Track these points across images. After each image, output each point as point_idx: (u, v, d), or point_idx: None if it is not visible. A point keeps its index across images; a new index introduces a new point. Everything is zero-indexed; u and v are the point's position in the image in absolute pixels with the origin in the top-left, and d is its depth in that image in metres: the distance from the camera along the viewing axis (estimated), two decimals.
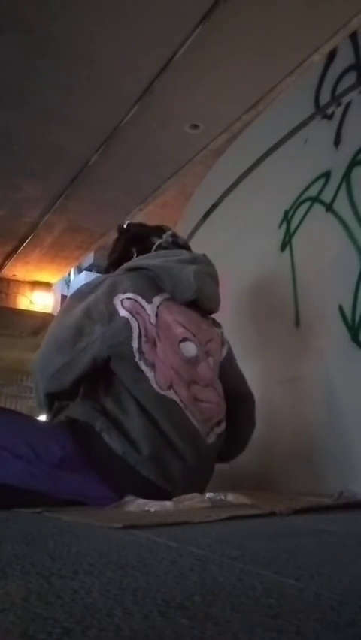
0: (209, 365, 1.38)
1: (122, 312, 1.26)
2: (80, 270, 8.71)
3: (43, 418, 1.57)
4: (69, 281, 8.63)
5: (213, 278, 1.47)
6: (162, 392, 1.22)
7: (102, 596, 0.43)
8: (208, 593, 0.44)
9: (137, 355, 1.23)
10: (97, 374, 1.25)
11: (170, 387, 1.24)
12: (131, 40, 2.05)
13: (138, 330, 1.25)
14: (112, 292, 1.29)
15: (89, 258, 7.65)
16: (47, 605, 0.40)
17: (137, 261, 1.44)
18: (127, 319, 1.25)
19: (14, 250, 4.43)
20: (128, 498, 1.07)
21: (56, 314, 5.97)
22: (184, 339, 1.33)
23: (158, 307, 1.31)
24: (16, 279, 5.28)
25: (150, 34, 2.01)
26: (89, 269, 8.47)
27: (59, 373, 1.23)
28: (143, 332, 1.25)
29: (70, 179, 3.19)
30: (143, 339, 1.25)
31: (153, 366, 1.23)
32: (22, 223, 3.88)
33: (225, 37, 2.01)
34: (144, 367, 1.22)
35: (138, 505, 1.04)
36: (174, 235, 1.56)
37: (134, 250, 1.52)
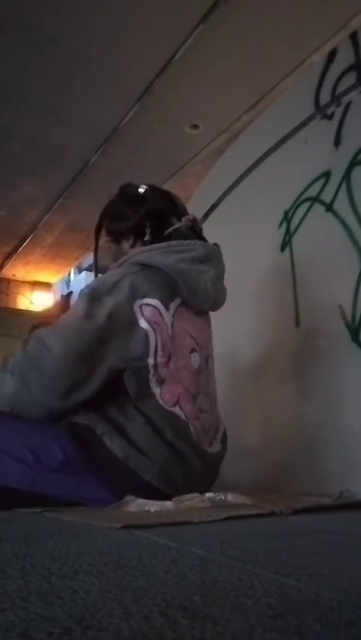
0: (206, 371, 1.34)
1: (142, 323, 1.17)
2: (80, 270, 8.70)
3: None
4: (69, 281, 8.62)
5: (222, 277, 1.38)
6: (167, 408, 1.19)
7: (102, 596, 0.43)
8: (208, 593, 0.44)
9: (151, 372, 1.18)
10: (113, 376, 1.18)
11: (176, 403, 1.20)
12: (131, 40, 2.05)
13: (155, 344, 1.18)
14: (132, 296, 1.18)
15: (89, 258, 7.64)
16: (47, 605, 0.40)
17: (146, 255, 1.28)
18: (146, 332, 1.17)
19: (14, 250, 4.44)
20: (129, 498, 1.07)
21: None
22: (192, 350, 1.29)
23: (173, 315, 1.24)
24: (16, 279, 5.28)
25: (150, 34, 2.01)
26: (89, 269, 8.45)
27: (83, 388, 1.13)
28: (160, 345, 1.19)
29: (70, 179, 3.19)
30: (159, 353, 1.18)
31: (162, 382, 1.19)
32: (22, 223, 3.89)
33: (225, 37, 2.01)
34: (152, 384, 1.18)
35: (138, 506, 1.04)
36: (193, 220, 1.39)
37: (148, 225, 1.34)
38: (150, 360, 1.17)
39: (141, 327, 1.17)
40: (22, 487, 1.10)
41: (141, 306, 1.19)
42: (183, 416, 1.20)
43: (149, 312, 1.19)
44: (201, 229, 1.43)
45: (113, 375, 1.16)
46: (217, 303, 1.37)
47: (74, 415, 1.21)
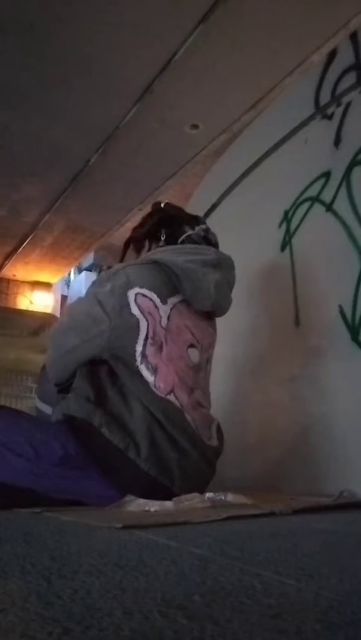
0: (206, 372, 1.39)
1: (134, 309, 1.23)
2: (80, 270, 8.70)
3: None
4: (69, 281, 8.63)
5: (230, 284, 1.44)
6: (161, 396, 1.21)
7: (102, 596, 0.43)
8: (208, 593, 0.44)
9: (138, 359, 1.22)
10: (101, 362, 1.25)
11: (170, 392, 1.23)
12: (131, 40, 2.04)
13: (145, 332, 1.23)
14: (128, 284, 1.26)
15: (89, 258, 7.64)
16: (47, 605, 0.40)
17: (160, 254, 1.37)
18: (137, 319, 1.23)
19: (14, 250, 4.43)
20: (129, 498, 1.07)
21: (56, 314, 5.97)
22: (191, 346, 1.32)
23: (171, 309, 1.29)
24: (16, 279, 5.28)
25: (150, 34, 2.01)
26: (89, 269, 8.46)
27: (68, 355, 1.26)
28: (150, 334, 1.23)
29: (70, 179, 3.19)
30: (149, 341, 1.23)
31: (155, 370, 1.22)
32: (22, 223, 3.88)
33: (225, 37, 2.01)
34: (144, 372, 1.21)
35: (138, 505, 1.04)
36: (206, 230, 1.48)
37: (163, 231, 1.45)
38: (138, 347, 1.22)
39: (132, 314, 1.23)
40: (23, 483, 1.10)
41: (135, 294, 1.25)
42: (177, 404, 1.23)
43: (142, 302, 1.25)
44: (216, 241, 1.51)
45: (99, 359, 1.25)
46: (219, 306, 1.40)
47: (66, 402, 1.24)
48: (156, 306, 1.26)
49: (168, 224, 1.46)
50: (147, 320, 1.24)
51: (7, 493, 1.08)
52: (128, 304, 1.23)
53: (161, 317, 1.26)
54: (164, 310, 1.27)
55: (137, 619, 0.37)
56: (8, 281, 5.28)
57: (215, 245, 1.49)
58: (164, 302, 1.28)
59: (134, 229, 1.55)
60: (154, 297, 1.27)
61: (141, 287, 1.26)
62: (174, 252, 1.36)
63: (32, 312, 5.54)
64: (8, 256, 4.57)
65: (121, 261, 1.56)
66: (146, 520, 0.87)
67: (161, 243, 1.43)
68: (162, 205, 1.53)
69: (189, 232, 1.43)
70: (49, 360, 1.33)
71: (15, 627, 0.35)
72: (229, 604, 0.41)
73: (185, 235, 1.43)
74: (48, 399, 1.42)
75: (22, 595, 0.43)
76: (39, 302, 5.47)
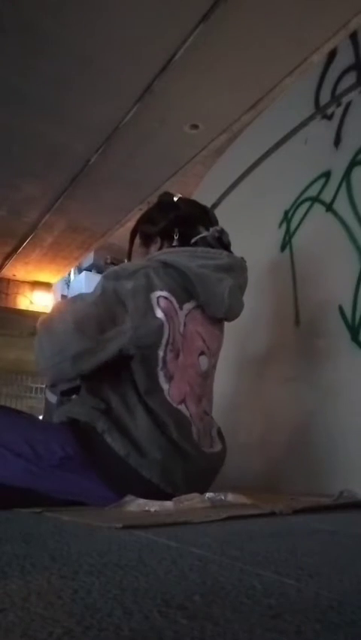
0: (212, 378, 1.38)
1: (159, 313, 1.19)
2: (80, 270, 8.71)
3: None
4: (69, 281, 8.63)
5: (242, 289, 1.40)
6: (174, 405, 1.20)
7: (102, 596, 0.43)
8: (208, 593, 0.44)
9: (160, 364, 1.19)
10: (105, 368, 1.17)
11: (182, 401, 1.21)
12: (131, 40, 2.05)
13: (167, 336, 1.19)
14: (151, 286, 1.21)
15: (89, 258, 7.65)
16: (47, 605, 0.40)
17: (173, 255, 1.31)
18: (162, 322, 1.19)
19: (14, 250, 4.43)
20: (129, 498, 1.07)
21: None
22: (202, 353, 1.30)
23: (186, 315, 1.27)
24: (16, 279, 5.27)
25: (150, 34, 2.01)
26: (89, 269, 8.47)
27: (79, 358, 1.12)
28: (171, 340, 1.20)
29: (70, 179, 3.19)
30: (169, 347, 1.20)
31: (171, 378, 1.20)
32: (22, 223, 3.88)
33: (225, 37, 2.01)
34: (161, 378, 1.19)
35: (138, 505, 1.04)
36: (221, 231, 1.42)
37: (176, 231, 1.38)
38: (161, 352, 1.19)
39: (157, 317, 1.19)
40: (22, 484, 1.10)
41: (158, 298, 1.21)
42: (188, 415, 1.22)
43: (165, 304, 1.21)
44: (229, 242, 1.45)
45: (122, 359, 1.16)
46: (232, 312, 1.36)
47: (73, 404, 1.23)
48: (175, 310, 1.24)
49: (181, 223, 1.39)
50: (169, 324, 1.20)
51: (7, 494, 1.08)
52: (152, 307, 1.19)
53: (180, 322, 1.24)
54: (181, 316, 1.25)
55: (137, 619, 0.37)
56: (8, 281, 5.28)
57: (228, 246, 1.44)
58: (181, 307, 1.26)
59: (144, 222, 1.46)
60: (174, 301, 1.24)
61: (162, 289, 1.22)
62: (186, 255, 1.31)
63: (32, 312, 5.54)
64: (8, 256, 4.57)
65: (129, 252, 1.50)
66: (146, 520, 0.87)
67: (174, 243, 1.37)
68: (175, 200, 1.45)
69: (204, 234, 1.38)
70: (45, 354, 1.17)
71: (15, 627, 0.35)
72: (229, 604, 0.41)
73: (199, 237, 1.37)
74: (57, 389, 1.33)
75: (22, 595, 0.43)
76: (39, 302, 5.47)
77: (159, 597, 0.43)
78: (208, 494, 1.13)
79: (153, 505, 1.01)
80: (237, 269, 1.37)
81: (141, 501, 1.05)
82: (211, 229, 1.40)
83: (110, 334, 1.15)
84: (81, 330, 1.13)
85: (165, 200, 1.47)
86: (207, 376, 1.33)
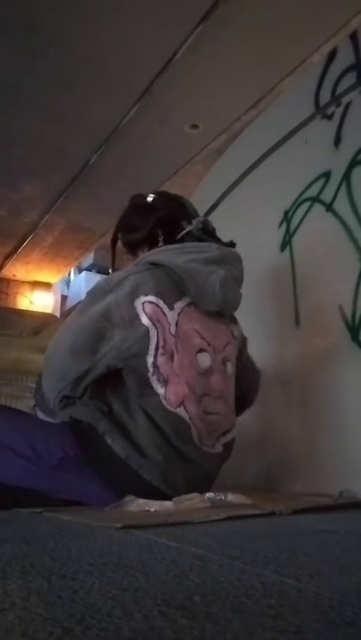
0: (224, 374, 1.31)
1: (144, 319, 1.18)
2: (80, 270, 8.70)
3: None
4: (69, 281, 8.62)
5: (238, 280, 1.37)
6: (171, 409, 1.18)
7: (102, 596, 0.43)
8: (208, 593, 0.44)
9: (150, 370, 1.17)
10: (107, 375, 1.20)
11: (180, 404, 1.19)
12: (131, 40, 2.05)
13: (156, 341, 1.18)
14: (134, 293, 1.20)
15: (89, 258, 7.64)
16: (47, 605, 0.40)
17: (159, 255, 1.30)
18: (147, 328, 1.17)
19: (14, 250, 4.43)
20: (128, 498, 1.07)
21: (56, 314, 5.95)
22: (201, 350, 1.26)
23: (179, 315, 1.23)
24: (16, 279, 5.28)
25: (150, 34, 2.01)
26: (89, 269, 8.46)
27: (79, 380, 1.17)
28: (161, 344, 1.18)
29: (70, 179, 3.19)
30: (160, 351, 1.18)
31: (165, 382, 1.18)
32: (22, 223, 3.88)
33: (225, 37, 2.01)
34: (155, 384, 1.17)
35: (138, 505, 1.04)
36: (205, 222, 1.39)
37: (160, 232, 1.35)
38: (150, 359, 1.17)
39: (142, 324, 1.18)
40: (22, 484, 1.10)
41: (143, 303, 1.19)
42: (187, 418, 1.19)
43: (150, 309, 1.19)
44: (214, 229, 1.42)
45: (113, 371, 1.19)
46: (227, 305, 1.32)
47: (76, 406, 1.22)
48: (163, 313, 1.21)
49: (164, 224, 1.37)
50: (156, 328, 1.18)
51: (7, 493, 1.08)
52: (138, 315, 1.18)
53: (170, 324, 1.21)
54: (171, 316, 1.22)
55: (137, 619, 0.37)
56: (8, 281, 5.28)
57: (214, 233, 1.41)
58: (171, 308, 1.23)
59: (124, 232, 1.44)
60: (161, 303, 1.21)
61: (147, 294, 1.20)
62: (173, 252, 1.30)
63: (32, 312, 5.55)
64: (8, 256, 4.57)
65: (112, 263, 1.49)
66: (146, 520, 0.87)
67: (160, 245, 1.35)
68: (150, 200, 1.40)
69: (188, 228, 1.35)
70: (48, 387, 1.22)
71: (15, 627, 0.35)
72: (229, 604, 0.41)
73: (184, 232, 1.35)
74: (50, 411, 1.32)
75: (22, 595, 0.43)
76: (39, 302, 5.47)
77: (159, 597, 0.43)
78: (208, 494, 1.13)
79: (153, 505, 1.01)
80: (229, 260, 1.34)
81: (141, 501, 1.05)
82: (194, 222, 1.37)
83: (104, 351, 1.17)
84: (76, 355, 1.17)
85: (140, 203, 1.43)
86: (209, 373, 1.27)
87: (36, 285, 5.41)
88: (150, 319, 1.18)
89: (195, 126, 2.61)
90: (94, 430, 1.15)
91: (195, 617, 0.38)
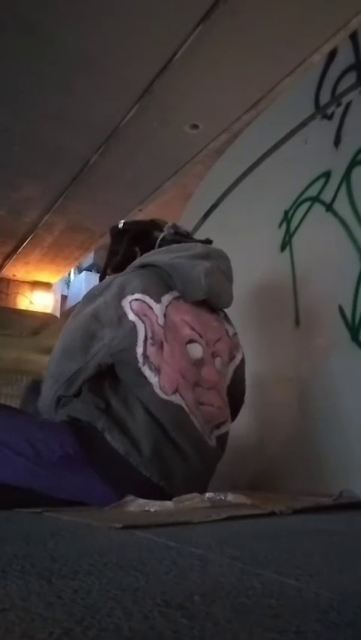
0: (215, 367, 1.34)
1: (131, 316, 1.23)
2: (80, 270, 8.70)
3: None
4: (69, 281, 8.62)
5: (226, 273, 1.43)
6: (166, 397, 1.19)
7: (102, 596, 0.43)
8: (208, 593, 0.44)
9: (140, 360, 1.21)
10: (104, 371, 1.24)
11: (175, 391, 1.21)
12: (131, 40, 2.05)
13: (144, 333, 1.22)
14: (121, 294, 1.26)
15: (89, 258, 7.64)
16: (47, 605, 0.40)
17: (146, 257, 1.38)
18: (134, 323, 1.22)
19: (14, 250, 4.44)
20: (129, 498, 1.07)
21: (56, 314, 5.95)
22: (191, 341, 1.30)
23: (167, 307, 1.28)
24: (16, 279, 5.28)
25: (150, 34, 2.01)
26: (89, 269, 8.46)
27: (71, 380, 1.23)
28: (149, 334, 1.23)
29: (70, 179, 3.19)
30: (149, 341, 1.22)
31: (158, 370, 1.21)
32: (22, 223, 3.89)
33: (225, 37, 2.01)
34: (147, 373, 1.20)
35: (138, 505, 1.04)
36: (175, 226, 1.49)
37: (137, 249, 1.46)
38: (139, 349, 1.21)
39: (130, 321, 1.23)
40: (22, 483, 1.10)
41: (130, 302, 1.25)
42: (183, 404, 1.21)
43: (136, 306, 1.25)
44: (187, 231, 1.53)
45: (105, 369, 1.23)
46: (214, 295, 1.36)
47: (74, 404, 1.24)
48: (150, 307, 1.26)
49: (138, 240, 1.47)
50: (143, 322, 1.23)
51: (7, 493, 1.08)
52: (126, 313, 1.24)
53: (157, 316, 1.25)
54: (158, 309, 1.26)
55: (137, 619, 0.37)
56: (8, 281, 5.28)
57: (189, 236, 1.51)
58: (158, 301, 1.27)
59: (108, 261, 1.54)
60: (146, 298, 1.27)
61: (133, 293, 1.26)
62: (159, 252, 1.38)
63: (32, 312, 5.55)
64: (8, 256, 4.58)
65: None
66: (146, 520, 0.87)
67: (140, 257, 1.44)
68: (123, 225, 1.53)
69: (161, 235, 1.45)
70: (45, 390, 1.29)
71: (15, 627, 0.35)
72: (229, 604, 0.41)
73: (159, 239, 1.44)
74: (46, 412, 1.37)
75: (22, 595, 0.43)
76: (39, 302, 5.47)
77: (159, 597, 0.43)
78: (208, 494, 1.13)
79: (153, 505, 1.01)
80: (215, 255, 1.40)
81: (141, 501, 1.05)
82: (165, 228, 1.47)
83: (94, 350, 1.22)
84: (68, 355, 1.24)
85: (114, 231, 1.55)
86: (201, 364, 1.30)
87: (36, 285, 5.41)
88: (137, 315, 1.24)
89: (195, 126, 2.61)
90: (93, 428, 1.16)
91: (195, 617, 0.38)
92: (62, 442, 1.15)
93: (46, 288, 5.49)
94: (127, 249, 1.47)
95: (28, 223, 3.86)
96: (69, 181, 3.20)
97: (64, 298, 7.44)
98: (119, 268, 1.48)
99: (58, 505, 1.08)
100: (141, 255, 1.43)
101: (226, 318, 1.48)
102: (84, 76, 2.26)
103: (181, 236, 1.47)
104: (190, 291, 1.32)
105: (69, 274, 7.66)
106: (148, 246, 1.44)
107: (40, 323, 5.81)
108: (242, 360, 1.50)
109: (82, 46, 2.09)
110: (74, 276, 8.76)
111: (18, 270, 4.98)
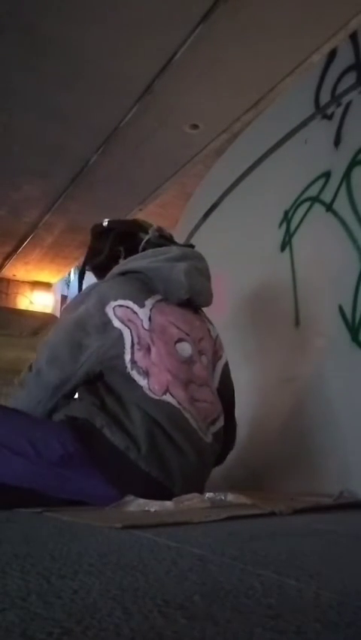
0: (203, 364, 1.37)
1: (116, 323, 1.24)
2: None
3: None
4: (69, 281, 8.62)
5: (204, 273, 1.45)
6: (157, 397, 1.21)
7: (102, 596, 0.43)
8: (208, 593, 0.44)
9: (128, 366, 1.22)
10: (96, 376, 1.25)
11: (166, 391, 1.23)
12: (131, 40, 2.05)
13: (130, 339, 1.24)
14: (103, 301, 1.27)
15: None
16: (47, 605, 0.40)
17: (125, 264, 1.40)
18: (120, 330, 1.24)
19: (14, 250, 4.44)
20: (129, 498, 1.07)
21: (56, 314, 5.96)
22: (179, 340, 1.31)
23: (151, 310, 1.29)
24: (16, 279, 5.28)
25: (150, 34, 2.01)
26: (89, 269, 8.46)
27: (57, 390, 1.24)
28: (136, 340, 1.24)
29: (70, 179, 3.19)
30: (136, 347, 1.23)
31: (146, 373, 1.22)
32: (22, 223, 3.89)
33: (225, 37, 2.01)
34: (136, 377, 1.21)
35: (138, 505, 1.04)
36: (159, 229, 1.50)
37: (122, 249, 1.46)
38: (127, 356, 1.22)
39: (115, 327, 1.24)
40: (23, 483, 1.10)
41: (114, 308, 1.26)
42: (175, 403, 1.22)
43: (121, 312, 1.26)
44: (171, 235, 1.53)
45: (93, 376, 1.25)
46: (196, 293, 1.38)
47: (71, 404, 1.25)
48: (134, 312, 1.27)
49: (123, 239, 1.46)
50: (128, 328, 1.25)
51: (7, 493, 1.08)
52: (110, 320, 1.24)
53: (142, 320, 1.27)
54: (143, 313, 1.28)
55: (137, 619, 0.37)
56: (8, 281, 5.28)
57: (172, 240, 1.51)
58: (141, 305, 1.29)
59: (90, 259, 1.53)
60: (130, 303, 1.28)
61: (116, 299, 1.27)
62: (136, 259, 1.39)
63: (32, 312, 5.55)
64: (8, 256, 4.58)
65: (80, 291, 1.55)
66: (146, 520, 0.87)
67: (121, 260, 1.44)
68: (108, 224, 1.51)
69: (147, 237, 1.45)
70: (32, 400, 1.27)
71: (15, 627, 0.35)
72: (229, 604, 0.41)
73: (144, 242, 1.44)
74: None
75: (22, 595, 0.43)
76: (39, 302, 5.47)
77: (159, 597, 0.43)
78: (208, 494, 1.13)
79: (153, 505, 1.01)
80: (191, 256, 1.42)
81: (141, 501, 1.05)
82: (150, 230, 1.47)
83: (83, 359, 1.23)
84: (54, 366, 1.24)
85: (98, 229, 1.53)
86: (191, 362, 1.32)
87: (36, 285, 5.41)
88: (122, 321, 1.25)
89: (195, 126, 2.61)
90: (91, 425, 1.17)
91: (195, 617, 0.38)
92: (61, 440, 1.15)
93: (46, 288, 5.49)
94: (111, 248, 1.46)
95: (28, 223, 3.87)
96: (69, 181, 3.20)
97: (64, 298, 7.44)
98: (101, 267, 1.48)
99: (58, 505, 1.08)
100: (125, 255, 1.44)
101: (207, 318, 1.50)
102: (84, 76, 2.26)
103: (165, 240, 1.49)
104: (172, 291, 1.34)
105: (69, 274, 7.66)
106: (133, 246, 1.45)
107: (40, 323, 5.81)
108: (226, 361, 1.51)
109: (82, 46, 2.09)
110: (74, 276, 8.76)
111: (18, 270, 4.98)
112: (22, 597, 0.42)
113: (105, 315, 1.25)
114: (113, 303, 1.26)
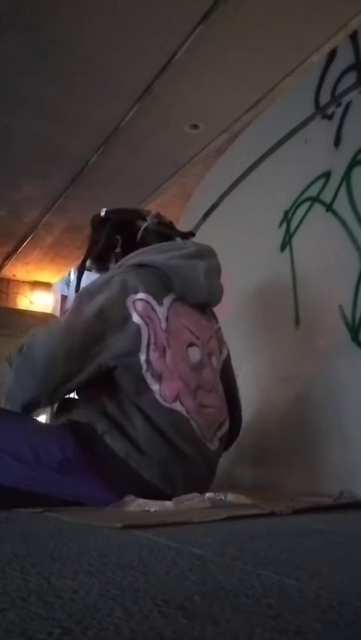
0: (212, 367, 1.34)
1: (135, 317, 1.18)
2: None
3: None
4: (69, 281, 8.62)
5: (218, 271, 1.41)
6: (167, 405, 1.18)
7: (102, 596, 0.43)
8: (208, 593, 0.44)
9: (144, 367, 1.17)
10: (101, 377, 1.20)
11: (176, 398, 1.19)
12: (131, 40, 2.04)
13: (147, 338, 1.18)
14: (124, 292, 1.21)
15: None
16: (47, 604, 0.40)
17: (141, 256, 1.32)
18: (139, 326, 1.18)
19: (14, 250, 4.43)
20: (128, 498, 1.07)
21: (56, 314, 5.94)
22: (190, 345, 1.28)
23: (168, 310, 1.25)
24: (16, 279, 5.27)
25: (150, 34, 2.01)
26: (89, 269, 8.45)
27: (70, 383, 1.17)
28: (152, 340, 1.19)
29: (70, 179, 3.19)
30: (152, 347, 1.19)
31: (160, 377, 1.18)
32: (22, 223, 3.88)
33: (225, 37, 2.01)
34: (149, 379, 1.17)
35: (138, 505, 1.04)
36: (158, 216, 1.45)
37: (118, 237, 1.41)
38: (142, 356, 1.18)
39: (134, 322, 1.19)
40: (22, 487, 1.10)
41: (134, 302, 1.21)
42: (184, 412, 1.20)
43: (141, 307, 1.20)
44: (171, 221, 1.48)
45: (104, 371, 1.18)
46: (212, 296, 1.37)
47: (72, 413, 1.22)
48: (153, 309, 1.22)
49: (121, 227, 1.42)
50: (147, 324, 1.19)
51: (7, 496, 1.08)
52: (130, 314, 1.19)
53: (160, 319, 1.22)
54: (161, 312, 1.23)
55: (137, 619, 0.37)
56: (8, 281, 5.28)
57: (172, 227, 1.48)
58: (160, 303, 1.24)
59: (90, 249, 1.48)
60: (150, 299, 1.22)
61: (136, 292, 1.21)
62: (152, 252, 1.32)
63: (32, 312, 5.54)
64: (8, 256, 4.57)
65: (77, 287, 1.51)
66: (146, 520, 0.87)
67: (117, 249, 1.39)
68: (105, 213, 1.47)
69: (145, 224, 1.40)
70: (32, 391, 1.18)
71: (15, 627, 0.35)
72: (229, 604, 0.41)
73: (142, 229, 1.39)
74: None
75: (22, 595, 0.43)
76: (39, 302, 5.47)
77: (159, 597, 0.43)
78: (208, 494, 1.13)
79: (153, 505, 1.01)
80: (206, 254, 1.38)
81: (141, 501, 1.05)
82: (148, 217, 1.43)
83: (94, 352, 1.16)
84: (71, 357, 1.15)
85: (96, 220, 1.49)
86: (200, 367, 1.29)
87: (36, 285, 5.40)
88: (141, 316, 1.20)
89: (195, 126, 2.61)
90: (93, 430, 1.15)
91: (195, 617, 0.38)
92: (62, 444, 1.14)
93: (46, 288, 5.48)
94: (108, 236, 1.41)
95: (28, 223, 3.86)
96: (69, 181, 3.20)
97: (64, 298, 7.43)
98: (99, 256, 1.44)
99: (58, 505, 1.08)
100: (123, 243, 1.39)
101: (213, 314, 1.47)
102: (84, 76, 2.26)
103: (165, 227, 1.44)
104: (191, 292, 1.31)
105: (69, 274, 7.66)
106: (130, 234, 1.40)
107: (41, 323, 5.80)
108: (228, 354, 1.49)
109: (82, 46, 2.09)
110: (74, 276, 8.75)
111: (18, 270, 4.97)
112: (22, 597, 0.42)
113: (126, 308, 1.19)
114: (133, 296, 1.21)
